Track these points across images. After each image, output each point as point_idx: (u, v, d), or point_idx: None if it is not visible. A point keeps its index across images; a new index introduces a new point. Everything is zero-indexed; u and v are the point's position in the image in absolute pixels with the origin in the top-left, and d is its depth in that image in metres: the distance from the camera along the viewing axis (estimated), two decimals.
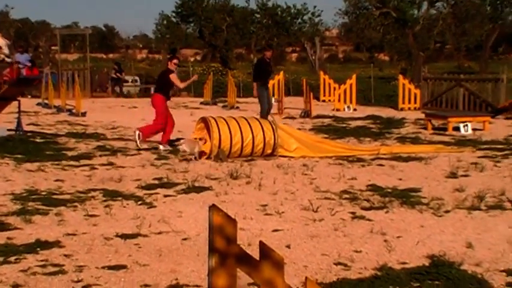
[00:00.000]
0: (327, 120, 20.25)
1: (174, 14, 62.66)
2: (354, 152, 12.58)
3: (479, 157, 12.11)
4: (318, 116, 21.44)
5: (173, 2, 64.70)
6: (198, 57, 78.71)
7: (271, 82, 30.84)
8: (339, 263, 5.61)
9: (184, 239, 6.42)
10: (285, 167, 10.93)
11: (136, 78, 37.64)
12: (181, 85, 14.71)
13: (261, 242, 2.72)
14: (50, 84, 25.62)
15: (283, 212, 7.59)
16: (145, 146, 13.45)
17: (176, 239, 6.43)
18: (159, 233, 6.67)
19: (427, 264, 5.47)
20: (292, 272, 5.35)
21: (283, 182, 9.60)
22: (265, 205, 7.98)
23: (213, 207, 2.71)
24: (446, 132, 16.63)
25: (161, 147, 13.30)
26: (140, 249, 6.10)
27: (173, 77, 13.87)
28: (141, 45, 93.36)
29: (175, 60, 14.35)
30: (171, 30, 63.43)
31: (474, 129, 16.76)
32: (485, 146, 13.64)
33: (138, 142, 13.41)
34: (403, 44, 44.13)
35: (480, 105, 22.71)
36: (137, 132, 13.58)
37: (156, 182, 9.59)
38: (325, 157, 12.06)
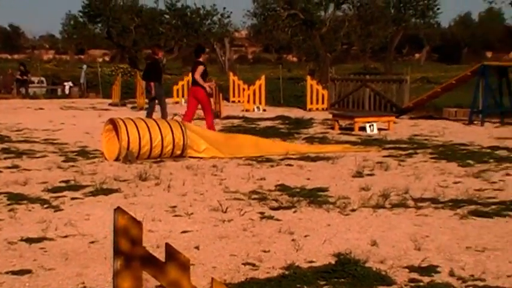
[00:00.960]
0: (236, 121, 20.34)
1: (81, 14, 61.68)
2: (263, 153, 12.64)
3: (384, 156, 12.40)
4: (227, 117, 21.51)
5: (80, 2, 63.68)
6: (107, 58, 77.75)
7: (180, 83, 30.82)
8: (248, 263, 5.64)
9: (92, 242, 6.34)
10: (194, 168, 10.92)
11: (43, 79, 36.86)
12: (200, 80, 15.32)
13: (166, 244, 2.71)
14: None
15: (192, 213, 7.58)
16: None
17: (83, 242, 6.33)
18: (66, 236, 6.56)
19: (333, 262, 5.56)
20: (200, 273, 5.35)
21: (193, 183, 9.59)
22: (174, 206, 7.95)
23: (117, 210, 2.69)
24: (353, 132, 16.98)
25: None
26: (46, 253, 5.98)
27: (199, 69, 15.09)
28: (47, 46, 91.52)
29: (206, 55, 15.85)
30: (78, 30, 62.46)
31: (380, 129, 17.16)
32: (390, 146, 13.98)
33: None
34: (311, 45, 44.72)
35: (385, 105, 23.27)
36: None
37: (63, 184, 9.42)
38: (235, 158, 12.11)
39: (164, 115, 17.32)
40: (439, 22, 73.53)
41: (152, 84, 17.83)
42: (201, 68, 15.22)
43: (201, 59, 15.49)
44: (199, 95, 15.30)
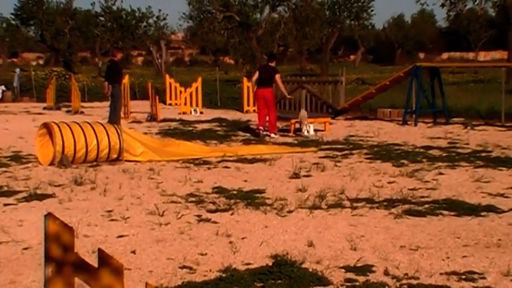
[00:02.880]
0: (173, 124, 20.26)
1: (13, 17, 60.54)
2: (200, 155, 12.65)
3: (320, 157, 12.51)
4: (164, 120, 21.41)
5: (12, 5, 62.54)
6: (41, 61, 76.55)
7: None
8: (184, 267, 5.62)
9: (25, 249, 6.23)
10: (131, 172, 10.83)
11: None
12: (282, 87, 17.91)
13: (99, 249, 2.68)
14: None
15: (128, 217, 7.52)
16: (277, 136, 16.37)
17: (16, 249, 6.22)
18: None
19: (270, 264, 5.58)
20: (137, 278, 5.31)
21: (129, 186, 9.51)
22: (111, 211, 7.87)
23: (48, 215, 2.65)
24: (290, 134, 17.08)
25: (273, 135, 16.39)
26: None
27: (279, 77, 17.10)
28: None
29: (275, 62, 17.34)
30: (10, 33, 61.28)
31: (316, 130, 17.31)
32: (326, 147, 14.12)
33: (276, 137, 16.20)
34: (247, 47, 44.86)
35: (321, 106, 23.47)
36: (272, 135, 16.40)
37: None
38: (172, 161, 12.06)
39: (117, 118, 17.36)
40: (373, 24, 74.67)
41: (110, 86, 18.08)
42: (279, 76, 17.17)
43: (273, 64, 17.07)
44: (269, 95, 16.65)
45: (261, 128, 16.53)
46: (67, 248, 2.65)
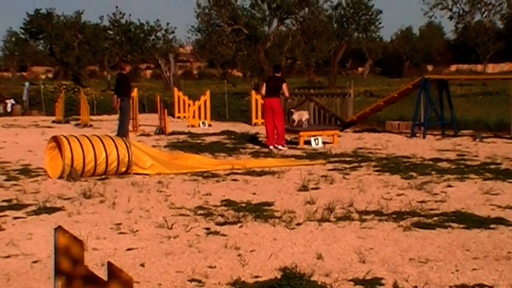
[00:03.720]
0: (182, 137, 20.29)
1: (22, 31, 60.86)
2: (208, 168, 12.67)
3: (329, 170, 12.51)
4: (173, 133, 21.44)
5: (21, 19, 62.88)
6: (50, 75, 76.86)
7: None
8: (193, 280, 5.62)
9: (35, 262, 6.24)
10: (139, 185, 10.85)
11: None
12: (288, 95, 17.82)
13: (108, 263, 2.69)
14: None
15: (137, 230, 7.53)
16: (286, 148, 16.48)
17: (26, 262, 6.23)
18: (8, 256, 6.44)
19: (279, 276, 5.57)
20: None
21: (138, 199, 9.53)
22: (119, 224, 7.88)
23: (58, 229, 2.66)
24: (298, 146, 17.08)
25: (281, 147, 16.52)
26: None
27: (286, 86, 16.92)
28: None
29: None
30: (20, 47, 61.62)
31: (324, 143, 17.31)
32: (335, 159, 14.10)
33: (285, 149, 16.33)
34: (255, 60, 44.93)
35: (330, 119, 23.49)
36: (280, 147, 16.48)
37: (5, 204, 9.25)
38: (180, 174, 12.07)
39: (125, 131, 17.41)
40: (381, 36, 74.67)
41: (119, 99, 18.08)
42: (286, 85, 17.04)
43: (279, 75, 17.12)
44: (276, 104, 16.79)
45: (271, 147, 16.54)
46: (77, 261, 2.66)
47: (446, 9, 48.30)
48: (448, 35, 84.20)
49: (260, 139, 18.92)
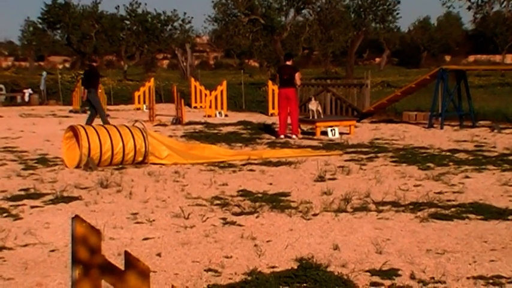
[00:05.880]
0: (198, 127, 20.30)
1: (40, 21, 61.03)
2: (225, 158, 12.67)
3: (346, 160, 12.48)
4: (189, 123, 21.46)
5: (39, 9, 63.07)
6: (67, 65, 77.13)
7: (141, 89, 30.74)
8: (210, 269, 5.62)
9: (52, 251, 6.27)
10: (156, 175, 10.87)
11: (2, 86, 36.32)
12: (299, 83, 17.53)
13: (126, 252, 2.69)
14: None
15: (154, 220, 7.54)
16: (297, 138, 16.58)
17: (43, 251, 6.26)
18: (25, 245, 6.48)
19: (295, 267, 5.57)
20: (162, 281, 5.32)
21: (155, 189, 9.55)
22: (136, 213, 7.90)
23: (76, 218, 2.67)
24: (315, 137, 17.06)
25: (294, 136, 16.63)
26: (5, 262, 5.90)
27: (299, 75, 17.03)
28: (6, 53, 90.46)
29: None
30: (37, 37, 61.76)
31: (341, 133, 17.27)
32: (351, 150, 14.07)
33: (297, 139, 16.40)
34: (272, 50, 44.83)
35: (346, 109, 23.43)
36: (294, 136, 16.57)
37: (23, 193, 9.31)
38: (197, 163, 12.08)
39: (103, 121, 17.64)
40: (399, 26, 74.36)
41: (86, 91, 18.38)
42: (298, 74, 17.15)
43: (290, 63, 17.24)
44: (292, 94, 16.89)
45: (282, 136, 16.71)
46: (94, 250, 2.67)
47: None
48: (466, 25, 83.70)
49: (276, 129, 18.90)
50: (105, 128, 12.02)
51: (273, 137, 17.04)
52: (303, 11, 45.36)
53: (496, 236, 6.68)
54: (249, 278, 5.32)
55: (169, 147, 12.55)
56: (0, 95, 35.06)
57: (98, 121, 17.38)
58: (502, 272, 5.50)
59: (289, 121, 17.12)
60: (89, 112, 18.92)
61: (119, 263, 2.84)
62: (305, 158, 12.71)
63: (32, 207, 8.36)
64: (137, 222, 7.47)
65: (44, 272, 5.60)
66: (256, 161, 12.35)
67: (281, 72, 17.15)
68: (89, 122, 17.44)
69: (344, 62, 58.08)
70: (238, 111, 27.72)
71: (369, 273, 5.47)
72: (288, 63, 17.17)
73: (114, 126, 12.35)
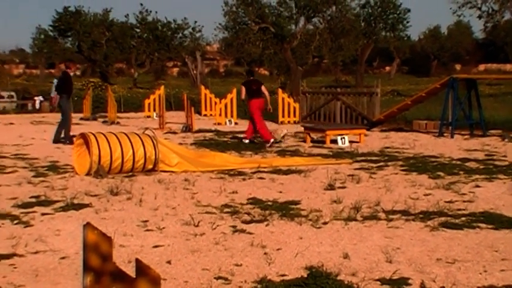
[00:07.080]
0: (208, 135, 20.33)
1: (51, 28, 61.31)
2: (234, 166, 12.69)
3: (355, 169, 12.46)
4: (199, 131, 21.50)
5: (50, 16, 63.34)
6: (78, 72, 77.35)
7: (151, 97, 30.82)
8: (220, 277, 5.62)
9: (62, 258, 6.28)
10: (166, 182, 10.88)
11: (13, 93, 36.54)
12: (268, 97, 18.41)
13: (137, 260, 2.70)
14: None
15: (164, 228, 7.55)
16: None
17: (54, 258, 6.28)
18: (36, 252, 6.50)
19: (305, 275, 5.56)
20: None
21: (165, 197, 9.56)
22: (146, 221, 7.91)
23: (87, 225, 2.68)
24: (325, 145, 17.05)
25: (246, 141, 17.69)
26: (15, 269, 5.92)
27: (265, 88, 18.08)
28: (17, 60, 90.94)
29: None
30: (48, 44, 62.03)
31: (351, 142, 17.25)
32: (361, 158, 14.05)
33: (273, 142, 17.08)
34: (282, 58, 44.90)
35: (356, 118, 23.41)
36: (271, 140, 17.10)
37: (33, 200, 9.33)
38: (207, 171, 12.09)
39: (66, 129, 17.55)
40: (409, 35, 74.21)
41: (61, 96, 18.30)
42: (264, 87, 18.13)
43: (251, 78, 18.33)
44: (262, 105, 17.92)
45: (272, 140, 17.17)
46: (105, 257, 2.68)
47: (475, 8, 47.82)
48: (477, 34, 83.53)
49: (286, 137, 18.91)
50: (115, 136, 12.04)
51: (283, 145, 17.05)
52: (313, 20, 45.47)
53: (506, 246, 6.66)
54: (259, 286, 5.32)
55: (179, 155, 12.58)
56: (12, 102, 35.21)
57: (96, 128, 17.40)
58: None
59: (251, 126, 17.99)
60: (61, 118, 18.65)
61: (130, 270, 2.85)
62: (315, 167, 12.71)
63: (43, 214, 8.38)
64: (147, 230, 7.48)
65: (55, 280, 5.62)
66: (266, 169, 12.35)
67: (250, 84, 17.78)
68: (63, 128, 17.57)
69: (354, 70, 58.12)
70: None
71: (379, 282, 5.46)
72: (253, 78, 18.40)
73: (125, 133, 12.38)
